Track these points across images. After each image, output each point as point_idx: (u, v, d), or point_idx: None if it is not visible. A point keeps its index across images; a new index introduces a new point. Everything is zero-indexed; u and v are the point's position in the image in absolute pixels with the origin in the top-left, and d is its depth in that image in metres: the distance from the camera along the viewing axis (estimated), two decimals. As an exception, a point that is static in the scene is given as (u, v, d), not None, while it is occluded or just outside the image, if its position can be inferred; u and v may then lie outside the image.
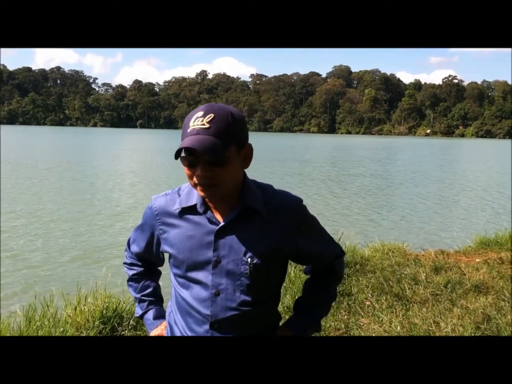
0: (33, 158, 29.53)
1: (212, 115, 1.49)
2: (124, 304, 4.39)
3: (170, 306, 1.82)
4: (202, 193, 1.55)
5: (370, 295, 5.04)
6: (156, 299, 1.96)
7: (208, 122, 1.48)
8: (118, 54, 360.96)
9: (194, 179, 1.53)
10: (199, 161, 1.50)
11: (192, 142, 1.46)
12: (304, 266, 1.98)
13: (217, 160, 1.50)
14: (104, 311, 4.20)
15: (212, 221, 1.62)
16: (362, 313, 4.64)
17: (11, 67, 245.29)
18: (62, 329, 3.99)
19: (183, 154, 1.52)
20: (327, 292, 1.88)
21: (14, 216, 11.74)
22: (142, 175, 22.47)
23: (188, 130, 1.50)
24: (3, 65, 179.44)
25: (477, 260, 6.60)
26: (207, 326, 1.64)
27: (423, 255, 6.86)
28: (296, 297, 4.61)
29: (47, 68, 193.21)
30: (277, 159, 33.98)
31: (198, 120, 1.50)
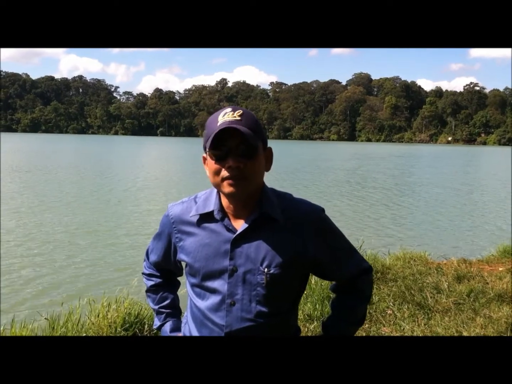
0: (59, 166, 29.93)
1: (241, 111, 1.53)
2: (145, 311, 4.41)
3: (185, 317, 1.80)
4: (229, 188, 1.52)
5: (391, 304, 5.00)
6: (173, 311, 1.93)
7: (239, 116, 1.51)
8: (141, 63, 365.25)
9: (222, 173, 1.51)
10: (230, 152, 1.50)
11: (231, 126, 1.48)
12: (332, 283, 1.90)
13: (250, 151, 1.51)
14: (127, 317, 4.23)
15: (229, 229, 1.60)
16: (384, 322, 4.62)
17: (34, 76, 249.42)
18: (84, 334, 4.04)
19: (210, 151, 1.53)
20: (351, 315, 1.80)
21: (41, 224, 11.92)
22: (175, 186, 22.56)
23: (218, 124, 1.50)
24: (26, 74, 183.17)
25: (500, 269, 6.52)
26: None
27: (445, 263, 6.80)
28: (317, 305, 4.64)
29: (71, 76, 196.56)
30: (296, 168, 33.94)
31: (228, 114, 1.52)
